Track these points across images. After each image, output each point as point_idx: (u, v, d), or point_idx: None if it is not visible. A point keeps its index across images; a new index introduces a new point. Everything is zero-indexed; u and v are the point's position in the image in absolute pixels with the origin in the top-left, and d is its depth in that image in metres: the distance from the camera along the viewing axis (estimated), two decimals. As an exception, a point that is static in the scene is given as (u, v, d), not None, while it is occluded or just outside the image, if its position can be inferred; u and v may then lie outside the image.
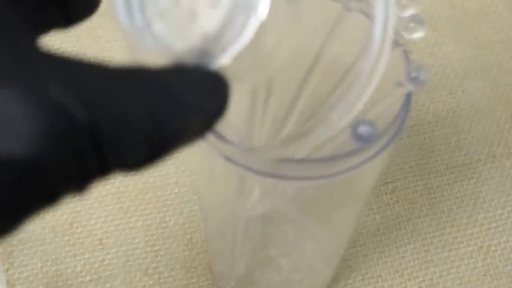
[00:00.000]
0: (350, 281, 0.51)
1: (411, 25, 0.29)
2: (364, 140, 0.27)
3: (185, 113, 0.20)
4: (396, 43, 0.29)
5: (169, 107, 0.20)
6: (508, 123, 0.59)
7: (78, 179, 0.18)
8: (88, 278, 0.50)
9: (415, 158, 0.56)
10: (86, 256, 0.51)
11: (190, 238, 0.52)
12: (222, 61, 0.21)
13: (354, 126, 0.27)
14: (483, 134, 0.58)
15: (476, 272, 0.52)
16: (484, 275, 0.52)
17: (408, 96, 0.30)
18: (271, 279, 0.47)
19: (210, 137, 0.28)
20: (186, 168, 0.54)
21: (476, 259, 0.52)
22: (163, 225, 0.52)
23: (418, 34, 0.29)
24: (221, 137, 0.28)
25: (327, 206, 0.40)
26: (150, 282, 0.50)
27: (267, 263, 0.46)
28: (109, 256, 0.51)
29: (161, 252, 0.51)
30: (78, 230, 0.51)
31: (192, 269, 0.51)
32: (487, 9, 0.65)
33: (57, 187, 0.18)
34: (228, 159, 0.29)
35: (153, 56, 0.21)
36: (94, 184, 0.19)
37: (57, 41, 0.59)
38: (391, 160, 0.56)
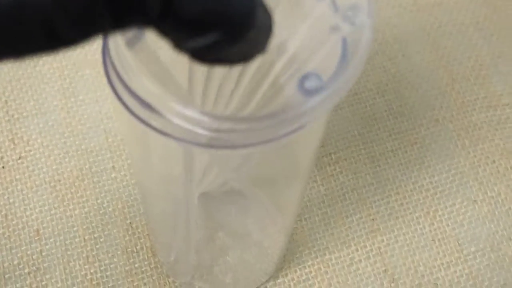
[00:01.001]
0: (297, 256, 0.50)
1: (349, 13, 0.27)
2: (312, 93, 0.26)
3: None
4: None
5: None
6: (449, 86, 0.58)
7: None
8: (26, 270, 0.48)
9: (357, 127, 0.55)
10: (23, 248, 0.49)
11: (130, 223, 0.50)
12: None
13: (301, 79, 0.26)
14: (424, 99, 0.57)
15: (424, 237, 0.51)
16: (432, 240, 0.51)
17: (345, 41, 0.28)
18: (223, 262, 0.46)
19: (140, 110, 0.27)
20: (123, 152, 0.53)
21: (423, 225, 0.52)
22: (101, 211, 0.51)
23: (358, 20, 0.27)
24: (151, 108, 0.26)
25: (271, 179, 0.39)
26: (92, 270, 0.49)
27: (215, 246, 0.45)
28: (48, 246, 0.49)
29: (101, 239, 0.50)
30: (13, 222, 0.50)
31: (134, 254, 0.49)
32: (424, -28, 0.64)
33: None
34: (163, 132, 0.27)
35: None
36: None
37: None
38: (333, 131, 0.55)
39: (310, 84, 0.26)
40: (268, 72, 0.28)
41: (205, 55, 0.21)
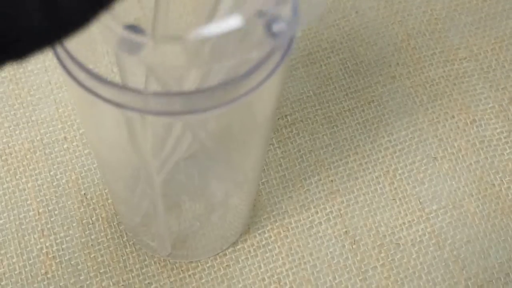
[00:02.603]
0: (255, 220, 0.49)
1: None
2: (279, 37, 0.25)
3: None
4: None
5: None
6: (405, 42, 0.57)
7: None
8: (-20, 247, 0.47)
9: (312, 87, 0.55)
10: (-24, 224, 0.48)
11: (85, 194, 0.49)
12: None
13: (268, 23, 0.25)
14: (380, 56, 0.56)
15: (384, 197, 0.51)
16: (393, 199, 0.51)
17: None
18: (191, 227, 0.45)
19: (86, 79, 0.26)
20: (74, 122, 0.52)
21: (383, 184, 0.51)
22: (55, 183, 0.50)
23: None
24: (97, 77, 0.25)
25: (230, 141, 0.38)
26: (47, 244, 0.48)
27: (181, 211, 0.44)
28: (1, 221, 0.48)
29: (56, 212, 0.49)
30: (-36, 198, 0.49)
31: (90, 226, 0.49)
32: None
33: None
34: (111, 101, 0.26)
35: None
36: None
37: None
38: (288, 92, 0.54)
39: (277, 27, 0.25)
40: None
41: None
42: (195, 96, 0.26)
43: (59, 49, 0.26)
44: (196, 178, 0.44)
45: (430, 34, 0.58)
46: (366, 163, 0.52)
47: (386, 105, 0.54)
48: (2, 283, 0.47)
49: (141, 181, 0.39)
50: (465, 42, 0.58)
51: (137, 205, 0.43)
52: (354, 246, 0.49)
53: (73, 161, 0.51)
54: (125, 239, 0.48)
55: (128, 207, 0.45)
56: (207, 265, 0.48)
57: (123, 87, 0.25)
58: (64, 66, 0.26)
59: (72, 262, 0.47)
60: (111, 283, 0.47)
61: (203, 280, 0.47)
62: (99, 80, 0.25)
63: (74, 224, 0.48)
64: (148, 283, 0.47)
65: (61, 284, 0.47)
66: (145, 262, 0.48)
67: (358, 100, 0.54)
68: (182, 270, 0.48)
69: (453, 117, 0.54)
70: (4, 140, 0.51)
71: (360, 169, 0.52)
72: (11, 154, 0.51)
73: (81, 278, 0.47)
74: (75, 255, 0.48)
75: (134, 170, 0.39)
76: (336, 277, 0.48)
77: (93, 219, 0.49)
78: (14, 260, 0.47)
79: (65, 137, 0.51)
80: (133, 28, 0.24)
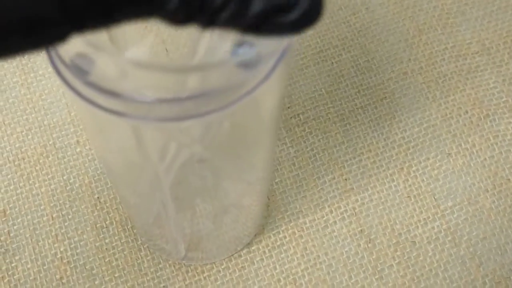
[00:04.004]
0: (270, 221, 0.49)
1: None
2: (248, 66, 0.24)
3: None
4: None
5: None
6: (416, 37, 0.57)
7: None
8: (-5, 253, 0.47)
9: (324, 85, 0.54)
10: (-10, 230, 0.48)
11: (98, 197, 0.49)
12: None
13: (233, 51, 0.24)
14: (391, 52, 0.56)
15: (399, 195, 0.50)
16: (408, 196, 0.50)
17: None
18: (204, 228, 0.45)
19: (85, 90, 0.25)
20: (86, 125, 0.52)
21: (397, 182, 0.51)
22: (68, 187, 0.50)
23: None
24: (95, 86, 0.25)
25: (238, 142, 0.38)
26: (62, 249, 0.48)
27: (195, 214, 0.44)
28: (15, 227, 0.48)
29: (70, 216, 0.49)
30: (-22, 205, 0.49)
31: (104, 230, 0.48)
32: None
33: None
34: (115, 112, 0.26)
35: None
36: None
37: None
38: (299, 91, 0.54)
39: (243, 52, 0.24)
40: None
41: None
42: (194, 101, 0.26)
43: (55, 58, 0.25)
44: (208, 180, 0.43)
45: (441, 28, 0.57)
46: (379, 160, 0.51)
47: (398, 102, 0.54)
48: (18, 289, 0.47)
49: (149, 184, 0.39)
50: (477, 36, 0.57)
51: (147, 209, 0.43)
52: (369, 245, 0.49)
53: (86, 164, 0.51)
54: (139, 242, 0.48)
55: (139, 211, 0.45)
56: (222, 267, 0.48)
57: (124, 96, 0.25)
58: (60, 75, 0.26)
59: (86, 267, 0.47)
60: (126, 287, 0.47)
61: (218, 282, 0.47)
62: (97, 90, 0.25)
63: (88, 229, 0.48)
64: (163, 286, 0.47)
65: (76, 289, 0.47)
66: (160, 265, 0.48)
67: (371, 97, 0.54)
68: (197, 273, 0.47)
69: (467, 112, 0.54)
70: (17, 145, 0.51)
71: (374, 167, 0.51)
72: (23, 159, 0.51)
73: (96, 282, 0.47)
74: (90, 259, 0.47)
75: (142, 174, 0.39)
76: (352, 276, 0.48)
77: (107, 223, 0.49)
78: (28, 266, 0.47)
79: (77, 141, 0.51)
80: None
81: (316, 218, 0.49)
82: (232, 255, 0.48)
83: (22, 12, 0.17)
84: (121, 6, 0.18)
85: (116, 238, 0.48)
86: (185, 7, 0.19)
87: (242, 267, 0.48)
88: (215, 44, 0.26)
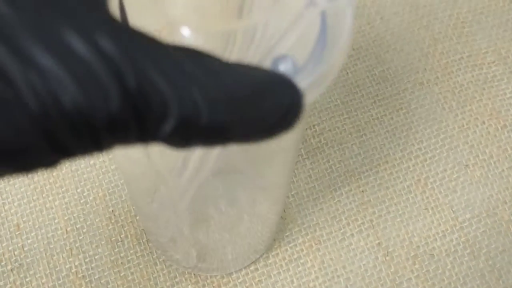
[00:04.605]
0: (286, 234, 0.49)
1: None
2: None
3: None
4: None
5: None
6: (432, 47, 0.56)
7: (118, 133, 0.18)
8: (9, 267, 0.47)
9: (340, 96, 0.54)
10: (4, 244, 0.48)
11: (113, 211, 0.49)
12: None
13: (273, 65, 0.24)
14: (407, 62, 0.55)
15: (416, 207, 0.50)
16: (425, 208, 0.50)
17: (323, 15, 0.26)
18: (220, 239, 0.45)
19: None
20: (100, 137, 0.51)
21: (415, 194, 0.50)
22: (82, 200, 0.49)
23: None
24: None
25: (257, 154, 0.38)
26: (76, 263, 0.47)
27: (209, 225, 0.44)
28: (29, 241, 0.48)
29: (84, 230, 0.48)
30: (-8, 218, 0.48)
31: (119, 243, 0.48)
32: None
33: (100, 135, 0.18)
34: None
35: None
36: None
37: None
38: (315, 101, 0.53)
39: (284, 67, 0.24)
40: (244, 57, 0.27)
41: None
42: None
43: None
44: (224, 190, 0.43)
45: (457, 38, 0.57)
46: (396, 172, 0.51)
47: (415, 112, 0.53)
48: (33, 305, 0.46)
49: (164, 200, 0.39)
50: (493, 46, 0.57)
51: (164, 223, 0.42)
52: (387, 258, 0.48)
53: (100, 177, 0.50)
54: (154, 256, 0.48)
55: (155, 225, 0.44)
56: (239, 280, 0.47)
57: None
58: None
59: (102, 281, 0.47)
60: (142, 302, 0.46)
61: (235, 297, 0.47)
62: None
63: (102, 242, 0.48)
64: (180, 301, 0.46)
65: (92, 304, 0.46)
66: (176, 280, 0.47)
67: (386, 108, 0.53)
68: (213, 286, 0.47)
69: (484, 122, 0.53)
70: (30, 158, 0.50)
71: (391, 178, 0.51)
72: (37, 172, 0.50)
73: (112, 297, 0.46)
74: (105, 273, 0.47)
75: (159, 185, 0.38)
76: (371, 290, 0.47)
77: (121, 236, 0.48)
78: (43, 281, 0.47)
79: (91, 154, 0.51)
80: None
81: (333, 230, 0.49)
82: (249, 267, 0.47)
83: (8, 144, 0.17)
84: (109, 136, 0.18)
85: (131, 252, 0.48)
86: (180, 133, 0.19)
87: (259, 280, 0.47)
88: (255, 60, 0.25)
